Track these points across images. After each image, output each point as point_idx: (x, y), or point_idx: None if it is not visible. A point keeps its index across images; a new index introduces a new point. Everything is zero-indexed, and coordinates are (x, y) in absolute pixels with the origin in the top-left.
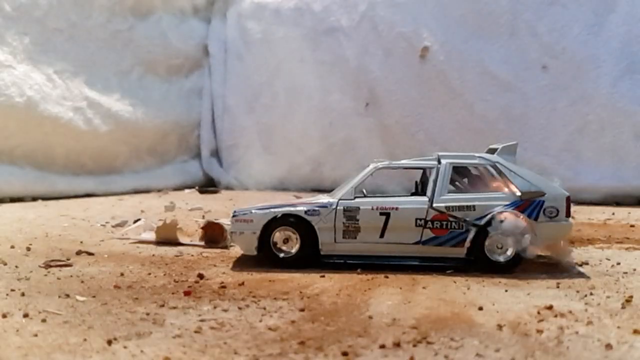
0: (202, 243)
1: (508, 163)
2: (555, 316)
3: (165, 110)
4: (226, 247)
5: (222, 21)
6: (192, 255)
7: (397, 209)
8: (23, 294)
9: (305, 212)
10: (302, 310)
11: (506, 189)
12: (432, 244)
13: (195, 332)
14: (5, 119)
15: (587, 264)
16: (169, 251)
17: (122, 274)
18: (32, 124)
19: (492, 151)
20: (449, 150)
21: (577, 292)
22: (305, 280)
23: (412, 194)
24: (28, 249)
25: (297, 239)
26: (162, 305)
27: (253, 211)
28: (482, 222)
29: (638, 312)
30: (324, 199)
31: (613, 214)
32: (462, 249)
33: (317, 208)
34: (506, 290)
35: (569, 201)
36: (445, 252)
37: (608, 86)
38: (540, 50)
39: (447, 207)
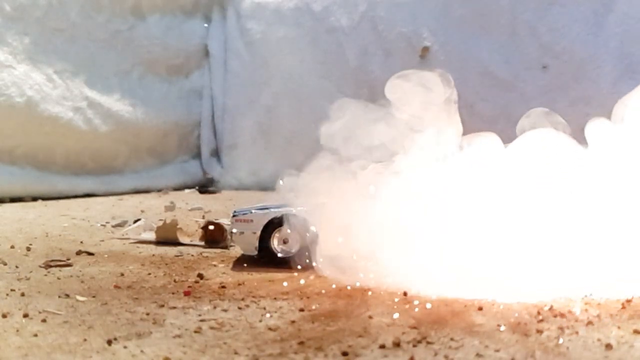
0: (202, 243)
1: None
2: (555, 316)
3: (165, 110)
4: (226, 247)
5: (222, 21)
6: (192, 255)
7: None
8: (23, 294)
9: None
10: (302, 310)
11: None
12: None
13: (195, 332)
14: (5, 119)
15: None
16: (169, 251)
17: (122, 274)
18: (32, 124)
19: None
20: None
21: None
22: (305, 280)
23: None
24: (28, 249)
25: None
26: (162, 305)
27: (253, 211)
28: None
29: (638, 312)
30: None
31: None
32: None
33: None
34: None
35: None
36: None
37: (608, 86)
38: (540, 50)
39: None
